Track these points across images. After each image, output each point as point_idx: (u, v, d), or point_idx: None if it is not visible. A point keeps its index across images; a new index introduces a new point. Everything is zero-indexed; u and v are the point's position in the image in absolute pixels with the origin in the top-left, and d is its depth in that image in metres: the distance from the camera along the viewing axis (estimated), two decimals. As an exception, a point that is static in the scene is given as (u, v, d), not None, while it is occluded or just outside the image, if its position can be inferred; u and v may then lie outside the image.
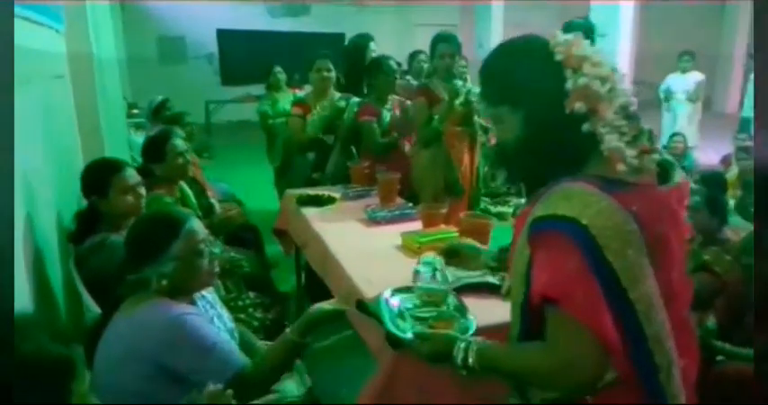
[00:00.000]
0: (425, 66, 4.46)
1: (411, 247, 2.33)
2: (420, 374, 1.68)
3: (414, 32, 11.50)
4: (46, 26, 2.73)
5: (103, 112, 3.86)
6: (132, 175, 2.17)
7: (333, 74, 3.60)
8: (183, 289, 1.53)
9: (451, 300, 1.68)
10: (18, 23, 2.06)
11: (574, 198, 1.03)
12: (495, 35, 10.00)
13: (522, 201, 5.33)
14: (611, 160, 1.07)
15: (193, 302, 1.60)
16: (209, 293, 1.72)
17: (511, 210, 5.29)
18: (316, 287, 3.11)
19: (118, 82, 5.77)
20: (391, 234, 2.50)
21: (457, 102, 3.20)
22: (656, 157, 1.10)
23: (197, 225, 1.57)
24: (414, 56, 5.07)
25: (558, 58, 1.09)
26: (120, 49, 7.42)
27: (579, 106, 1.06)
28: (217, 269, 1.63)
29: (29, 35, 2.28)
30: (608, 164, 1.08)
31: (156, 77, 9.94)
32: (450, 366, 1.21)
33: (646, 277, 1.02)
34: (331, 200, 3.06)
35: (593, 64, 1.08)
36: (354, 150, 3.68)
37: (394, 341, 1.61)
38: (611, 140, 1.06)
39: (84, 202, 2.23)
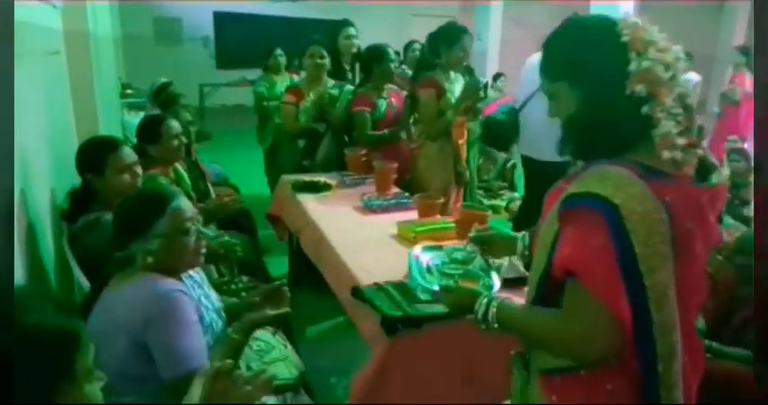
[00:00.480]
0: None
1: (406, 236, 2.34)
2: (413, 362, 1.69)
3: (410, 22, 11.44)
4: (43, 2, 2.69)
5: (98, 90, 3.82)
6: (129, 154, 2.15)
7: (326, 60, 3.54)
8: (169, 267, 1.53)
9: (478, 260, 1.77)
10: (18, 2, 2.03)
11: (609, 179, 1.05)
12: (494, 28, 9.96)
13: (516, 194, 5.36)
14: (657, 148, 1.08)
15: (180, 281, 1.59)
16: (196, 274, 1.72)
17: (504, 203, 5.30)
18: (302, 274, 3.12)
19: (113, 61, 5.70)
20: (387, 223, 2.51)
21: (482, 95, 3.20)
22: (699, 152, 1.11)
23: (184, 203, 1.57)
24: (408, 46, 5.04)
25: (624, 39, 1.09)
26: (115, 28, 7.32)
27: (639, 89, 1.07)
28: (203, 249, 1.62)
29: (25, 9, 2.24)
30: (652, 152, 1.09)
31: (150, 58, 9.79)
32: (471, 319, 1.27)
33: (664, 267, 1.04)
34: (327, 187, 3.06)
35: (659, 49, 1.09)
36: (347, 139, 3.67)
37: (388, 327, 1.63)
38: (666, 126, 1.07)
39: (79, 181, 2.20)
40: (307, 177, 3.22)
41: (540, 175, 3.88)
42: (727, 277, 2.21)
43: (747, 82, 6.67)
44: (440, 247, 1.96)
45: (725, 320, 2.18)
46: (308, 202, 2.89)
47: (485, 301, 1.24)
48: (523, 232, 1.59)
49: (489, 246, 1.71)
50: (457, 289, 1.39)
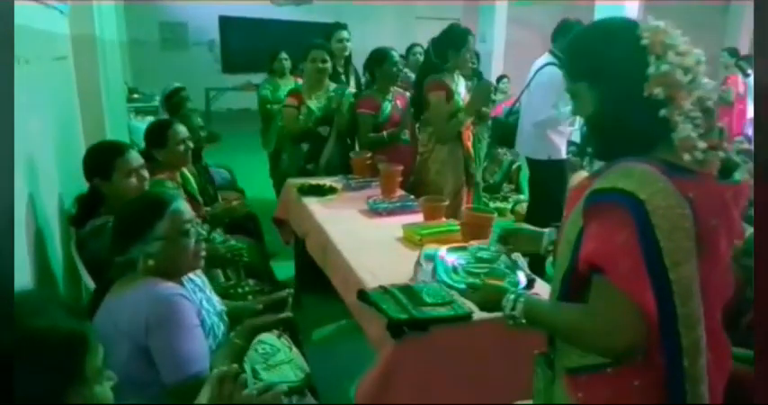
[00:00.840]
0: (422, 59, 4.44)
1: (412, 239, 2.34)
2: (419, 365, 1.69)
3: (414, 25, 11.45)
4: (50, 7, 2.71)
5: (105, 94, 3.84)
6: (136, 158, 2.17)
7: (329, 65, 3.52)
8: (170, 270, 1.54)
9: (503, 259, 1.81)
10: (23, 3, 2.05)
11: (634, 175, 1.06)
12: (498, 29, 9.95)
13: (522, 196, 5.35)
14: (679, 148, 1.09)
15: (182, 285, 1.60)
16: (197, 277, 1.73)
17: (510, 205, 5.29)
18: (308, 278, 3.13)
19: (119, 66, 5.73)
20: (392, 225, 2.51)
21: (494, 97, 3.21)
22: (721, 154, 1.13)
23: (183, 206, 1.58)
24: (410, 49, 5.06)
25: (644, 42, 1.11)
26: (121, 32, 7.37)
27: (657, 92, 1.09)
28: (203, 252, 1.63)
29: (33, 15, 2.27)
30: (674, 150, 1.10)
31: (156, 63, 9.86)
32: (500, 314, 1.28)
33: (689, 262, 1.05)
34: (332, 190, 3.06)
35: (679, 53, 1.10)
36: (351, 142, 3.68)
37: (394, 330, 1.64)
38: (684, 129, 1.08)
39: (87, 185, 2.22)
40: (312, 181, 3.23)
41: (534, 173, 3.92)
42: (736, 278, 2.20)
43: (740, 83, 6.70)
44: (464, 248, 1.98)
45: (733, 321, 2.17)
46: (314, 205, 2.90)
47: (512, 296, 1.26)
48: (550, 228, 1.60)
49: (514, 241, 1.71)
50: (483, 286, 1.41)
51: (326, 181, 3.21)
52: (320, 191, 3.05)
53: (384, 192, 2.95)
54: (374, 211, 2.74)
